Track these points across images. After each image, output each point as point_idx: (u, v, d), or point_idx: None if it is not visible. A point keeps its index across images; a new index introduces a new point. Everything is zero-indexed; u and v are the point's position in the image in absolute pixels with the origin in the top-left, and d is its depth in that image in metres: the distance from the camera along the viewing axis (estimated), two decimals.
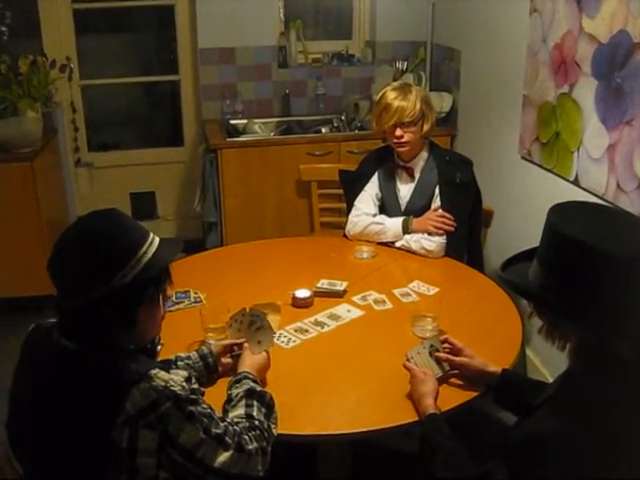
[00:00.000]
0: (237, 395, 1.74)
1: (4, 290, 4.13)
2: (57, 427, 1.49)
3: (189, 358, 2.01)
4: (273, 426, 1.72)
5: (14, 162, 4.08)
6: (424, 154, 3.12)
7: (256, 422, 1.66)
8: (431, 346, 2.08)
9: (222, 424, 1.56)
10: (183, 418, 1.47)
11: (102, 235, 1.53)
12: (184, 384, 1.50)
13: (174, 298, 2.56)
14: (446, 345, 2.12)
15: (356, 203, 3.18)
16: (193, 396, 1.51)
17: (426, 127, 3.03)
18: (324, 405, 2.00)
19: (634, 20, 2.57)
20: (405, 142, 3.01)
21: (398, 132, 2.99)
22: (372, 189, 3.18)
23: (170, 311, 2.49)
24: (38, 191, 4.13)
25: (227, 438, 1.54)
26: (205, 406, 1.55)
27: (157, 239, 1.62)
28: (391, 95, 3.00)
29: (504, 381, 1.98)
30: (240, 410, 1.69)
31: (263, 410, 1.71)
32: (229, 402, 1.74)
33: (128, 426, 1.42)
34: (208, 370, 2.02)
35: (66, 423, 1.47)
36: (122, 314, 1.56)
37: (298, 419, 1.93)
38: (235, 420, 1.64)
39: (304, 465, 2.25)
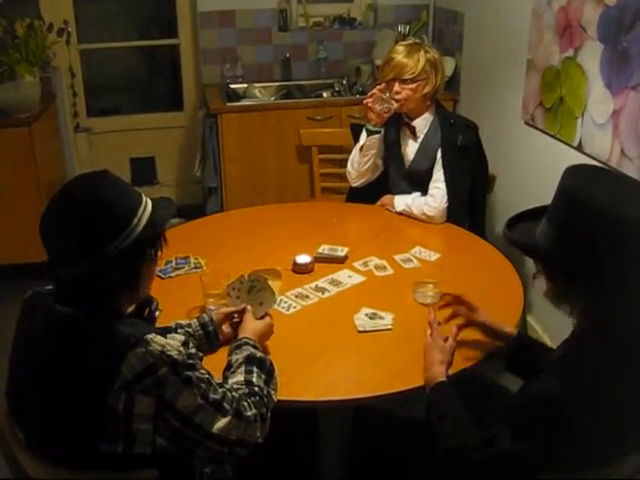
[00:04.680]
0: (237, 361, 1.73)
1: (3, 257, 4.12)
2: (55, 393, 1.49)
3: (189, 326, 2.00)
4: (273, 392, 1.71)
5: (12, 127, 4.04)
6: (429, 116, 3.11)
7: (255, 388, 1.65)
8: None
9: (220, 390, 1.55)
10: (180, 383, 1.46)
11: (103, 198, 1.52)
12: (181, 348, 1.50)
13: (174, 264, 2.55)
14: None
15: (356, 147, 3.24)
16: (190, 361, 1.51)
17: (427, 88, 3.02)
18: (325, 371, 2.00)
19: None
20: (402, 99, 3.02)
21: (396, 87, 3.02)
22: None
23: (170, 277, 2.49)
24: (36, 156, 4.09)
25: (225, 404, 1.53)
26: (203, 372, 1.54)
27: (148, 199, 1.62)
28: (397, 50, 3.04)
29: (517, 347, 1.97)
30: (239, 377, 1.68)
31: (263, 376, 1.70)
32: (228, 368, 1.73)
33: (124, 391, 1.42)
34: (208, 338, 2.02)
35: (63, 389, 1.47)
36: (130, 274, 1.58)
37: (298, 385, 1.93)
38: (234, 386, 1.63)
39: (305, 431, 2.26)
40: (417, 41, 3.18)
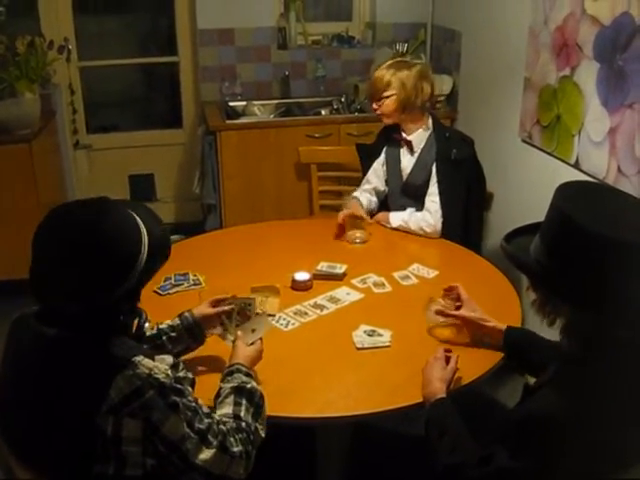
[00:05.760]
0: (226, 391, 1.70)
1: (2, 273, 4.12)
2: (44, 416, 1.47)
3: (173, 329, 1.96)
4: (260, 428, 1.67)
5: (12, 144, 4.05)
6: (426, 130, 3.15)
7: (243, 424, 1.61)
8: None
9: (206, 420, 1.52)
10: (167, 407, 1.45)
11: (109, 234, 1.49)
12: (169, 372, 1.48)
13: (173, 280, 2.56)
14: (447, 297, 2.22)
15: (367, 176, 3.32)
16: (178, 385, 1.49)
17: (395, 104, 3.09)
18: (323, 388, 2.00)
19: (637, 2, 2.54)
20: (380, 114, 3.17)
21: (374, 105, 3.16)
22: (378, 163, 3.29)
23: (169, 293, 2.49)
24: (36, 173, 4.11)
25: (210, 436, 1.51)
26: (191, 399, 1.51)
27: (139, 219, 1.58)
28: (374, 70, 3.22)
29: (509, 344, 2.07)
30: (228, 408, 1.65)
31: (251, 410, 1.66)
32: (218, 397, 1.70)
33: (112, 414, 1.41)
34: (195, 339, 2.00)
35: (52, 411, 1.46)
36: (133, 301, 1.61)
37: (297, 402, 1.93)
38: (223, 419, 1.60)
39: (303, 449, 2.25)
40: (398, 59, 3.23)
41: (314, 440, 2.19)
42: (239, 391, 1.69)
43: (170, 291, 2.51)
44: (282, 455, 2.26)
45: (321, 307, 2.41)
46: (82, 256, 1.46)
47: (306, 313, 2.37)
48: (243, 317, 2.02)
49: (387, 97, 3.08)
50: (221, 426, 1.56)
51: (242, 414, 1.64)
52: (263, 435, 1.67)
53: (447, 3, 4.60)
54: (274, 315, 2.34)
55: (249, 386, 1.71)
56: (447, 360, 1.94)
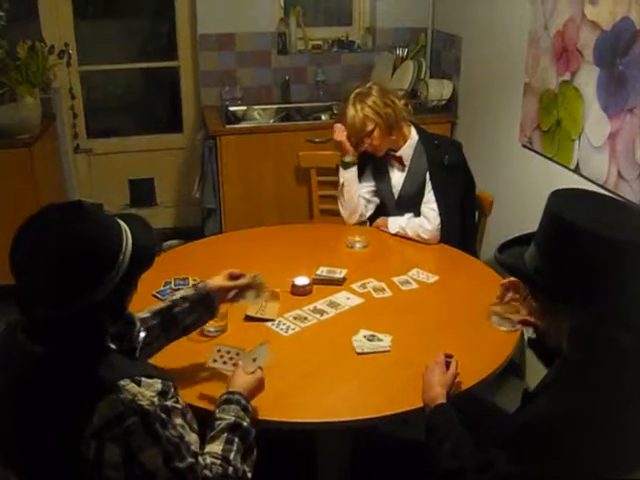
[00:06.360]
0: (220, 424, 1.64)
1: (2, 277, 4.12)
2: (28, 437, 1.43)
3: (186, 300, 1.96)
4: (248, 471, 1.61)
5: (12, 148, 4.05)
6: (412, 142, 3.11)
7: (230, 469, 1.55)
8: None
9: (189, 460, 1.45)
10: (147, 435, 1.39)
11: (86, 235, 1.44)
12: (154, 399, 1.42)
13: (173, 285, 2.55)
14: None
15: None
16: (163, 415, 1.42)
17: (380, 132, 3.01)
18: (324, 393, 1.99)
19: (638, 6, 2.55)
20: (373, 150, 3.09)
21: (365, 146, 3.07)
22: (364, 178, 3.24)
23: None
24: (37, 177, 4.11)
25: (189, 476, 1.44)
26: (174, 433, 1.44)
27: (124, 224, 1.54)
28: (346, 117, 3.05)
29: None
30: (218, 446, 1.59)
31: (242, 450, 1.61)
32: (211, 428, 1.64)
33: (94, 439, 1.36)
34: (207, 310, 2.00)
35: (36, 434, 1.42)
36: (118, 308, 1.56)
37: (297, 407, 1.93)
38: (209, 460, 1.54)
39: (303, 452, 2.25)
40: (352, 95, 3.09)
41: (314, 445, 2.19)
42: (234, 428, 1.63)
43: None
44: (282, 460, 2.25)
45: (321, 312, 2.41)
46: (55, 256, 1.41)
47: (306, 318, 2.37)
48: (256, 289, 2.07)
49: (372, 131, 3.00)
50: (205, 471, 1.49)
51: (232, 456, 1.58)
52: (250, 476, 1.61)
53: (447, 8, 4.62)
54: (274, 320, 2.34)
55: (245, 424, 1.66)
56: (447, 365, 1.94)
